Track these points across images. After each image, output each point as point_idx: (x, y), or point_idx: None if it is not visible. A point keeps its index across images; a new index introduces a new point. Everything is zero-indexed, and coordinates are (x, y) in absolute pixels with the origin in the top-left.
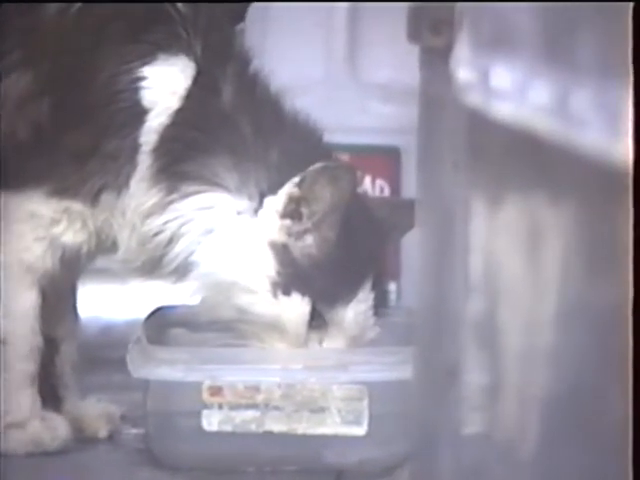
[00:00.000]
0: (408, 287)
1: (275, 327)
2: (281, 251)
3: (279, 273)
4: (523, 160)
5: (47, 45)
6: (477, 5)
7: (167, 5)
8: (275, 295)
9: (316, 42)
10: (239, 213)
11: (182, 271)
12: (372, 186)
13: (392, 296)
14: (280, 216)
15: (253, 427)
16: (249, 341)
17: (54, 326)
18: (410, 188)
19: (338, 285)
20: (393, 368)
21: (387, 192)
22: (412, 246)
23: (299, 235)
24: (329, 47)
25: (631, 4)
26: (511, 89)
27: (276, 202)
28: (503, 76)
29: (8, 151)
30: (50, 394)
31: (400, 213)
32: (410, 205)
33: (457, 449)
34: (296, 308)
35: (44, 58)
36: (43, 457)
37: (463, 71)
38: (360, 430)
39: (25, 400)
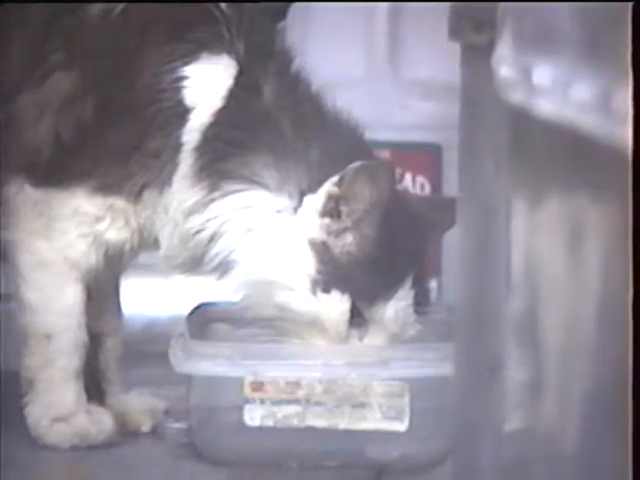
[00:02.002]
0: (449, 284)
1: (315, 324)
2: (321, 249)
3: (319, 271)
4: (565, 157)
5: (91, 45)
6: (519, 4)
7: (210, 5)
8: (315, 293)
9: (357, 40)
10: (279, 212)
11: (223, 269)
12: (413, 183)
13: (433, 293)
14: (320, 214)
15: (295, 422)
16: (290, 338)
17: (98, 321)
18: (451, 185)
19: (378, 283)
20: (434, 364)
21: (428, 189)
22: (453, 243)
23: (338, 233)
24: (370, 45)
25: (631, 4)
26: (553, 86)
27: (316, 200)
28: (545, 73)
29: (52, 149)
30: (94, 388)
31: (441, 211)
32: (451, 203)
33: (498, 445)
34: (336, 306)
35: (88, 58)
36: (87, 450)
37: (505, 69)
38: (401, 426)
39: (70, 394)
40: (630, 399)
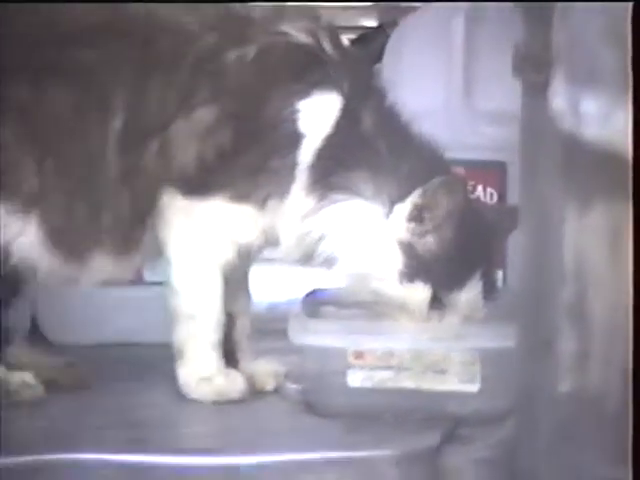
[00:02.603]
0: (512, 275)
1: (402, 307)
2: (407, 248)
3: (405, 265)
4: (606, 174)
5: (229, 85)
6: (571, 46)
7: (320, 52)
8: (402, 282)
9: (438, 77)
10: (374, 217)
11: (330, 262)
12: (484, 194)
13: (499, 283)
14: (406, 220)
15: (389, 384)
16: (383, 318)
17: (233, 304)
18: (514, 195)
19: (453, 275)
20: (500, 339)
21: (495, 198)
22: (516, 242)
23: (421, 235)
24: (449, 81)
25: (631, 4)
26: (597, 116)
27: (403, 209)
28: (591, 105)
29: (197, 167)
30: (230, 356)
31: (506, 216)
32: (514, 210)
33: (552, 405)
34: (419, 293)
35: (226, 95)
36: (225, 405)
37: (557, 101)
38: (474, 387)
39: (212, 361)
40: None
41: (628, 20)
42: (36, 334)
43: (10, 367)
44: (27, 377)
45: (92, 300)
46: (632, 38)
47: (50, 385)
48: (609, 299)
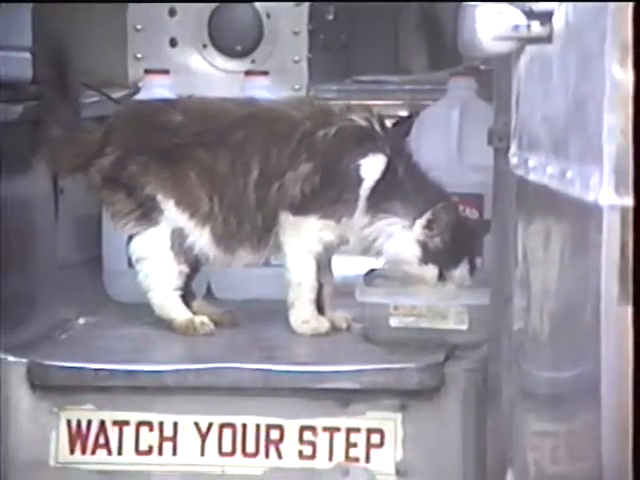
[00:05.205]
0: (487, 260)
1: (421, 280)
2: (423, 245)
3: (422, 255)
4: (542, 203)
5: (319, 150)
6: (521, 126)
7: (373, 131)
8: (420, 265)
9: (443, 144)
10: (403, 227)
11: (378, 254)
12: (470, 213)
13: (479, 264)
14: (422, 228)
15: (413, 325)
16: (411, 287)
17: (322, 277)
18: (488, 213)
19: (450, 260)
20: (479, 298)
21: (476, 215)
22: (489, 241)
23: (432, 237)
24: (449, 146)
25: (631, 4)
26: (537, 167)
27: (421, 222)
28: (535, 160)
29: (300, 197)
30: (320, 309)
31: (483, 226)
32: (488, 222)
33: (509, 337)
34: (430, 271)
35: (318, 157)
36: (317, 336)
37: (514, 159)
38: (464, 327)
39: (309, 310)
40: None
41: (628, 20)
42: (209, 294)
43: (195, 314)
44: (204, 319)
45: (241, 274)
46: (632, 38)
47: (216, 324)
48: (542, 275)
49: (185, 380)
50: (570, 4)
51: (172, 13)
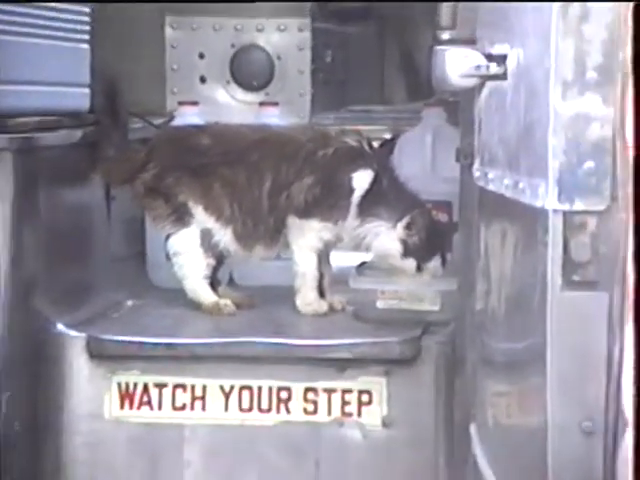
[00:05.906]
0: (456, 254)
1: (402, 271)
2: (403, 242)
3: (402, 250)
4: (499, 211)
5: (319, 167)
6: (483, 147)
7: (363, 150)
8: (402, 259)
9: (418, 160)
10: (387, 228)
11: (367, 250)
12: (441, 217)
13: (449, 258)
14: (403, 229)
15: (396, 306)
16: (394, 276)
17: (322, 268)
18: (456, 217)
19: (426, 254)
20: (449, 284)
21: (446, 219)
22: (457, 239)
23: (411, 236)
24: (424, 162)
25: (631, 4)
26: (495, 179)
27: (402, 224)
28: (493, 173)
29: (303, 205)
30: (321, 293)
31: (452, 227)
32: (456, 224)
33: (471, 315)
34: (410, 264)
35: (318, 172)
36: (318, 315)
37: (476, 173)
38: (436, 308)
39: (312, 295)
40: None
41: (628, 20)
42: (231, 281)
43: (220, 297)
44: (228, 302)
45: (257, 265)
46: (632, 38)
47: (237, 306)
48: (500, 266)
49: (212, 351)
50: (520, 49)
51: (201, 56)
